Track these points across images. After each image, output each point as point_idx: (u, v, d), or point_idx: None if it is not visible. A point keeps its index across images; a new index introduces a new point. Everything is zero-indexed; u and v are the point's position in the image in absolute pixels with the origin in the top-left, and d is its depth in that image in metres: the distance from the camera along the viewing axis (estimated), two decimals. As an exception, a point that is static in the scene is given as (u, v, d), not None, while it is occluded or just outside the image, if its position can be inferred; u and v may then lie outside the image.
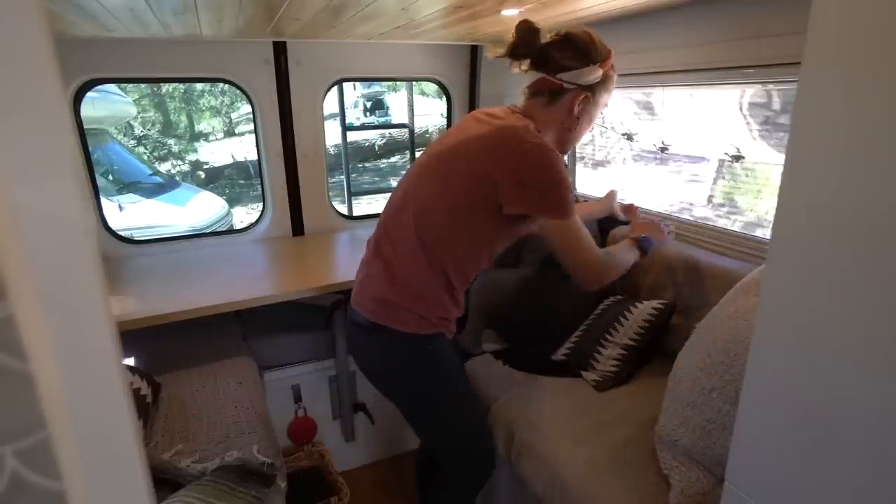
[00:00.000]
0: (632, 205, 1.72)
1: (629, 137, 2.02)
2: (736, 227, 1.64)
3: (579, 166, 2.25)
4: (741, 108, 1.59)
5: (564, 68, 1.19)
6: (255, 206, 7.92)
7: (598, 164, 2.21)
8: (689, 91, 1.72)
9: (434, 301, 1.24)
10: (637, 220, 1.67)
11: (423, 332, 1.24)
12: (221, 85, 4.24)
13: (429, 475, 1.60)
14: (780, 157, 1.43)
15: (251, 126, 3.58)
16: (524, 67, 1.23)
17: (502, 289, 1.78)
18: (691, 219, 1.71)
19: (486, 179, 1.16)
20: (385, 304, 1.24)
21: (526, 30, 1.18)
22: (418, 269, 1.22)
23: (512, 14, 1.50)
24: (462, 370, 1.41)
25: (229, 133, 11.46)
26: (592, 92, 1.22)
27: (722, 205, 1.77)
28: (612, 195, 1.72)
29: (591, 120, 1.27)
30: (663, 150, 1.89)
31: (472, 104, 2.51)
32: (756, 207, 1.64)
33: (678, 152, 1.83)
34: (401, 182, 1.33)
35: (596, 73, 1.19)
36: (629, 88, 1.89)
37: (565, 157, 1.70)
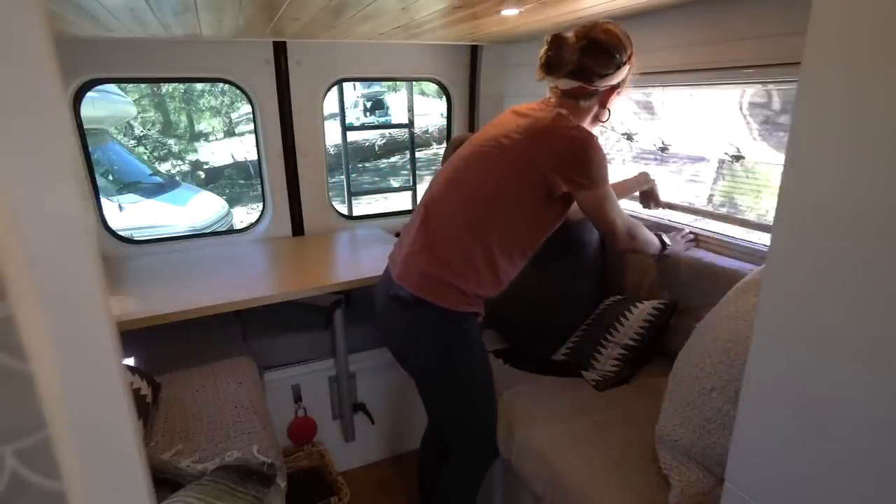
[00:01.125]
0: (660, 199, 1.73)
1: (629, 137, 2.02)
2: (737, 227, 1.64)
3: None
4: (741, 108, 1.59)
5: (600, 76, 1.29)
6: (255, 206, 7.92)
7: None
8: (689, 91, 1.72)
9: (475, 277, 1.31)
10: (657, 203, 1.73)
11: (461, 310, 1.32)
12: (221, 85, 4.24)
13: (431, 476, 1.60)
14: (780, 157, 1.43)
15: (251, 126, 3.58)
16: (560, 76, 1.30)
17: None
18: (707, 230, 1.70)
19: (533, 165, 1.27)
20: (428, 277, 1.31)
21: (561, 45, 1.26)
22: (461, 246, 1.30)
23: (512, 14, 1.50)
24: (486, 356, 1.46)
25: (229, 133, 11.45)
26: (621, 85, 1.34)
27: (722, 205, 1.77)
28: (646, 175, 1.73)
29: (617, 106, 1.39)
30: (663, 149, 1.88)
31: (472, 104, 2.51)
32: (756, 207, 1.64)
33: (678, 152, 1.83)
34: (439, 174, 1.42)
35: (625, 71, 1.30)
36: (629, 88, 1.89)
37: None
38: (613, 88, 1.33)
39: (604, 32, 1.27)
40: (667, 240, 1.56)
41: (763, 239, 1.55)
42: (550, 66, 1.28)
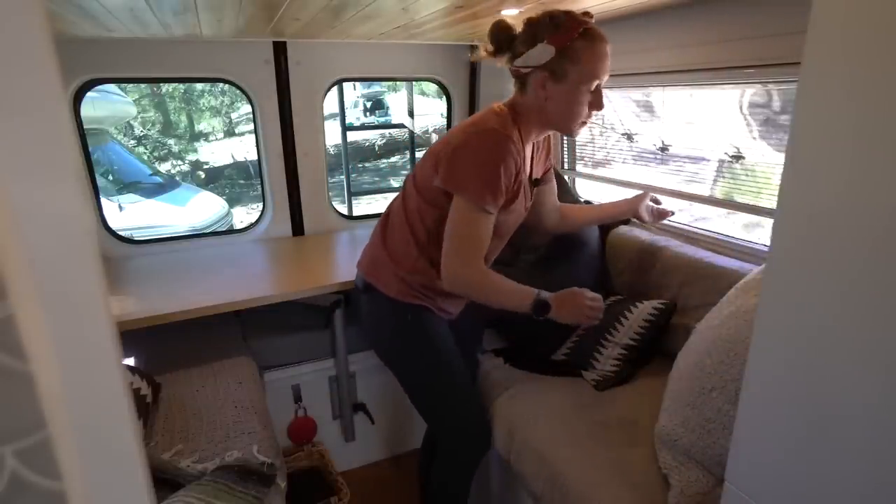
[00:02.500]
0: (665, 210, 1.59)
1: (629, 137, 2.02)
2: (737, 227, 1.64)
3: (580, 166, 2.25)
4: (741, 108, 1.59)
5: (518, 55, 1.22)
6: (255, 206, 7.91)
7: (597, 164, 2.21)
8: (689, 91, 1.72)
9: (414, 267, 1.33)
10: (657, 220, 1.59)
11: (406, 301, 1.34)
12: (221, 85, 4.24)
13: (429, 474, 1.60)
14: (780, 157, 1.43)
15: (251, 126, 3.58)
16: (504, 62, 1.28)
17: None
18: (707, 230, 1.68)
19: (438, 159, 1.25)
20: (376, 262, 1.39)
21: (495, 29, 1.24)
22: (403, 237, 1.35)
23: (512, 14, 1.50)
24: (451, 349, 1.42)
25: (229, 133, 11.45)
26: (551, 70, 1.18)
27: (722, 204, 1.77)
28: (643, 196, 1.57)
29: (569, 99, 1.20)
30: (663, 149, 1.88)
31: (472, 104, 2.50)
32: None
33: (678, 152, 1.83)
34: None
35: (546, 51, 1.16)
36: (629, 88, 1.89)
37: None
38: (541, 71, 1.18)
39: (538, 13, 1.20)
40: (550, 306, 1.23)
41: (763, 239, 1.55)
42: (493, 49, 1.26)
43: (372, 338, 1.50)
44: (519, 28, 1.23)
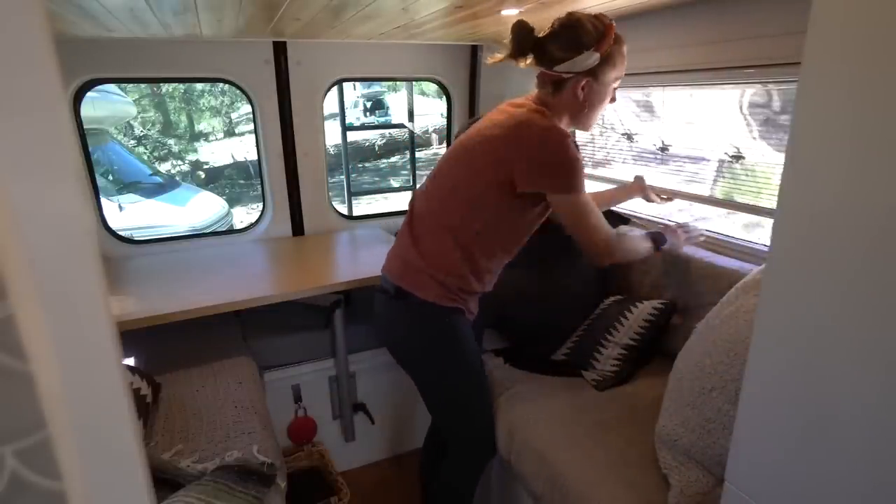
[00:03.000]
0: (670, 197, 1.72)
1: (629, 137, 2.02)
2: (737, 227, 1.64)
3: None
4: (741, 108, 1.59)
5: (559, 60, 1.24)
6: (255, 206, 7.91)
7: (597, 164, 2.21)
8: (689, 91, 1.72)
9: (454, 271, 1.32)
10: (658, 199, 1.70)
11: (443, 304, 1.33)
12: (221, 85, 4.23)
13: (432, 475, 1.60)
14: (780, 157, 1.43)
15: (251, 126, 3.58)
16: (528, 63, 1.29)
17: (503, 288, 1.77)
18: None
19: (501, 163, 1.25)
20: (409, 267, 1.35)
21: (519, 30, 1.25)
22: (441, 241, 1.32)
23: (512, 14, 1.50)
24: (478, 353, 1.46)
25: (229, 133, 11.45)
26: (594, 75, 1.26)
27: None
28: (640, 179, 1.71)
29: (602, 98, 1.31)
30: (663, 149, 1.88)
31: (472, 104, 2.51)
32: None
33: (678, 152, 1.83)
34: (431, 170, 1.44)
35: (592, 58, 1.23)
36: (629, 88, 1.89)
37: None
38: (582, 76, 1.25)
39: (568, 16, 1.24)
40: (663, 239, 1.48)
41: (763, 239, 1.55)
42: (512, 51, 1.27)
43: (398, 342, 1.45)
44: (540, 30, 1.26)
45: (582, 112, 1.31)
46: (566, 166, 1.23)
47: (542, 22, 1.28)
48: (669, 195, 1.73)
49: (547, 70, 1.27)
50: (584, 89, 1.27)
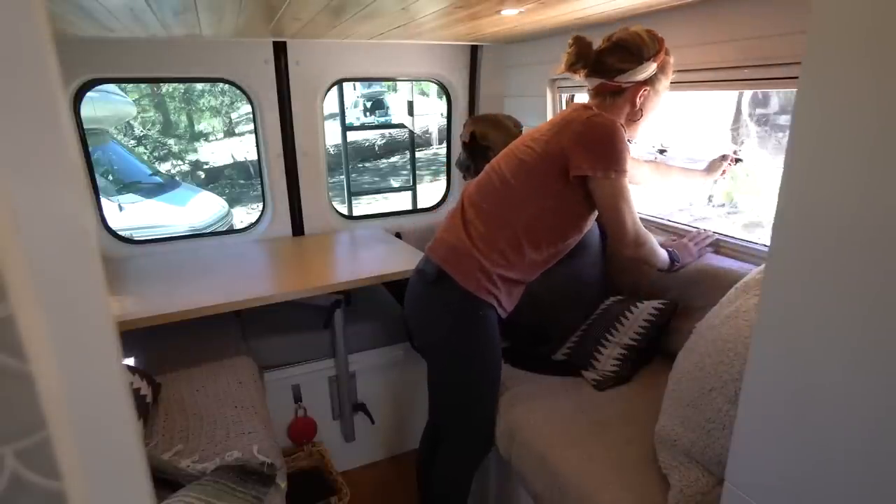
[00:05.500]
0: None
1: (662, 151, 2.02)
2: (737, 227, 1.64)
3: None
4: (739, 109, 1.59)
5: (620, 71, 1.33)
6: (255, 206, 7.92)
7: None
8: (689, 92, 1.72)
9: (499, 256, 1.36)
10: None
11: (479, 296, 1.36)
12: (221, 85, 4.24)
13: (430, 473, 1.60)
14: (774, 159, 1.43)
15: (251, 126, 3.58)
16: (583, 75, 1.37)
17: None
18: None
19: (555, 152, 1.33)
20: (455, 250, 1.39)
21: (580, 44, 1.34)
22: (489, 225, 1.38)
23: (512, 14, 1.50)
24: (500, 350, 1.48)
25: (229, 133, 11.45)
26: (652, 84, 1.35)
27: (722, 205, 1.77)
28: (717, 163, 1.73)
29: (655, 105, 1.39)
30: (662, 151, 1.89)
31: (472, 104, 2.51)
32: (757, 207, 1.64)
33: (676, 155, 1.83)
34: (486, 166, 1.51)
35: (650, 68, 1.32)
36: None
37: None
38: (640, 85, 1.34)
39: (624, 31, 1.33)
40: (676, 256, 1.53)
41: (763, 239, 1.55)
42: (570, 64, 1.35)
43: (428, 326, 1.48)
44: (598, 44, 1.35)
45: (636, 120, 1.39)
46: (612, 147, 1.29)
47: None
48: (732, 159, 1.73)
49: (608, 81, 1.34)
50: (643, 97, 1.35)
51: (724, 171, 1.72)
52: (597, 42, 1.36)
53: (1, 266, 0.29)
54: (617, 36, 1.33)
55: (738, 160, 1.71)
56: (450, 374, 1.47)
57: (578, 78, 1.38)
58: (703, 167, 1.75)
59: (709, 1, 1.41)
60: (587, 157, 1.30)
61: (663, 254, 1.48)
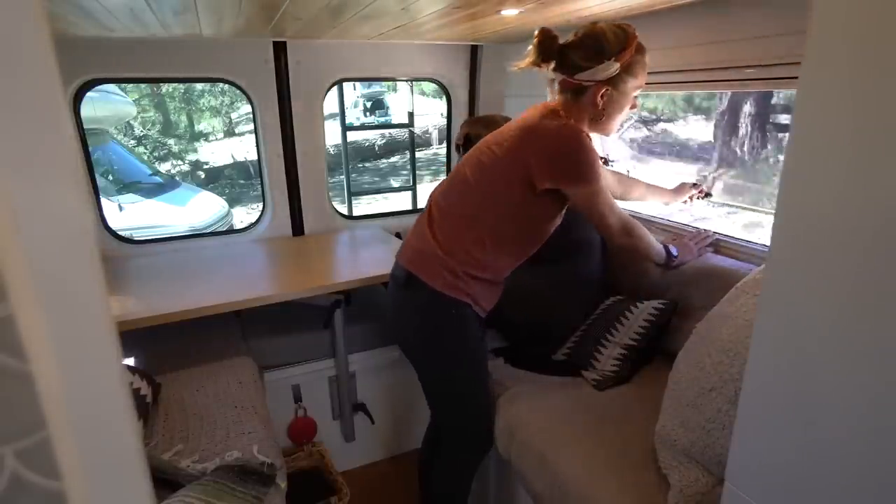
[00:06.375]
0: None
1: (606, 162, 2.04)
2: (737, 227, 1.64)
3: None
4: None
5: (580, 68, 1.28)
6: (255, 206, 7.92)
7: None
8: (688, 91, 1.72)
9: (464, 257, 1.35)
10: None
11: (451, 295, 1.35)
12: (221, 85, 4.23)
13: (431, 473, 1.60)
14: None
15: (251, 126, 3.58)
16: (550, 69, 1.33)
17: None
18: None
19: (520, 162, 1.30)
20: (422, 254, 1.39)
21: (543, 37, 1.29)
22: (456, 227, 1.38)
23: (512, 14, 1.50)
24: (483, 348, 1.48)
25: (229, 133, 11.45)
26: (614, 84, 1.30)
27: (722, 205, 1.77)
28: (686, 187, 1.78)
29: (622, 105, 1.35)
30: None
31: (472, 104, 2.51)
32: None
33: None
34: (454, 168, 1.50)
35: (612, 68, 1.26)
36: (633, 91, 1.89)
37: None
38: (602, 85, 1.29)
39: (591, 27, 1.29)
40: (673, 250, 1.53)
41: (763, 239, 1.55)
42: (535, 57, 1.31)
43: (404, 330, 1.50)
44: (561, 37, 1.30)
45: (600, 119, 1.35)
46: (581, 158, 1.28)
47: (545, 22, 1.28)
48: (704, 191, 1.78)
49: (568, 77, 1.31)
50: (604, 97, 1.31)
51: (691, 198, 1.77)
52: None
53: (1, 266, 0.29)
54: (583, 31, 1.29)
55: (707, 195, 1.76)
56: (431, 375, 1.48)
57: (544, 72, 1.34)
58: (672, 188, 1.78)
59: (708, 1, 1.41)
60: (554, 172, 1.29)
61: (658, 246, 1.49)
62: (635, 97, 1.36)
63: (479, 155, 1.40)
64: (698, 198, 1.76)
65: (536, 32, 1.29)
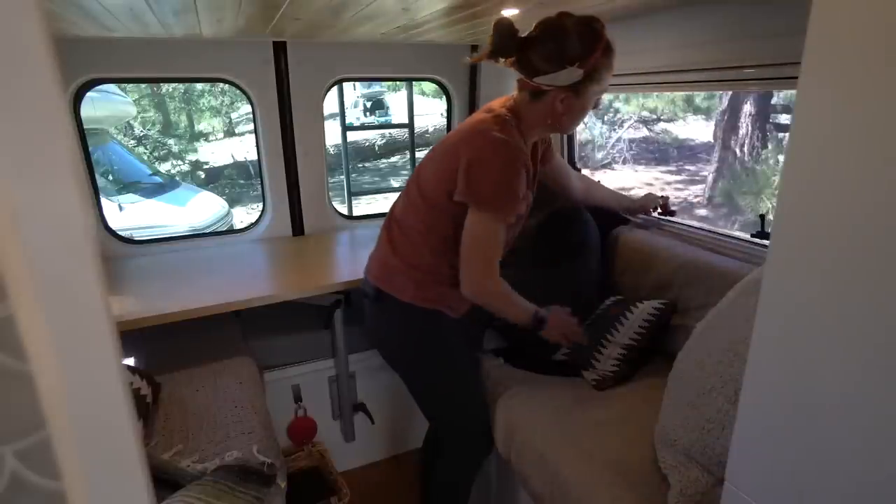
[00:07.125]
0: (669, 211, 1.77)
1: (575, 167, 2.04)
2: (736, 227, 1.64)
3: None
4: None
5: (540, 72, 1.18)
6: (255, 206, 7.92)
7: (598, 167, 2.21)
8: (688, 91, 1.72)
9: (427, 267, 1.33)
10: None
11: (421, 305, 1.34)
12: (221, 85, 4.23)
13: (431, 472, 1.60)
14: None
15: (251, 126, 3.58)
16: (509, 64, 1.23)
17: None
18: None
19: (454, 167, 1.23)
20: (387, 268, 1.38)
21: (501, 30, 1.17)
22: (413, 240, 1.35)
23: (512, 14, 1.50)
24: (464, 351, 1.48)
25: (229, 133, 11.45)
26: (575, 90, 1.19)
27: (722, 205, 1.77)
28: (652, 199, 1.78)
29: (581, 110, 1.26)
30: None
31: (472, 104, 2.50)
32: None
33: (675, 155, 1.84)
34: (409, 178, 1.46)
35: (574, 75, 1.16)
36: (628, 89, 1.89)
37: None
38: (562, 91, 1.19)
39: (555, 21, 1.16)
40: (545, 320, 1.34)
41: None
42: (493, 51, 1.19)
43: (382, 343, 1.50)
44: (522, 29, 1.19)
45: (559, 122, 1.27)
46: (494, 184, 1.19)
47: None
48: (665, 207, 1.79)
49: (526, 78, 1.21)
50: (563, 103, 1.21)
51: (655, 209, 1.78)
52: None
53: (1, 266, 0.29)
54: (544, 25, 1.16)
55: (671, 212, 1.78)
56: (419, 386, 1.49)
57: (503, 66, 1.24)
58: (638, 197, 1.79)
59: (708, 1, 1.41)
60: (467, 186, 1.20)
61: (518, 315, 1.32)
62: (598, 98, 1.27)
63: (427, 162, 1.36)
64: (662, 212, 1.78)
65: (494, 23, 1.18)
